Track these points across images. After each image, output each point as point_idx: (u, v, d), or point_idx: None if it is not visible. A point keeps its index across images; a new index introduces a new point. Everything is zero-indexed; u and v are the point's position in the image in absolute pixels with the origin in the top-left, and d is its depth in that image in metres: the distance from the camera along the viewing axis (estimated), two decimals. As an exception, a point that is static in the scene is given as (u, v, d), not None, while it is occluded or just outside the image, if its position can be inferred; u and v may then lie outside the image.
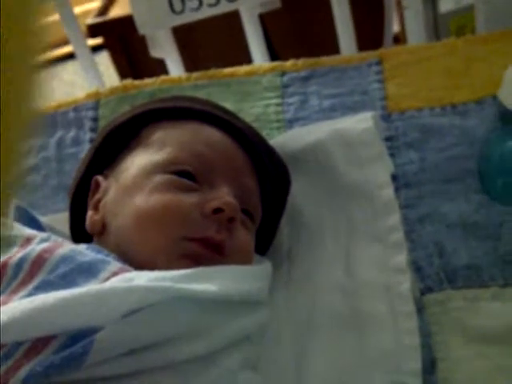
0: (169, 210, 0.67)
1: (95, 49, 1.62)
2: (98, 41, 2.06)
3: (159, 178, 0.70)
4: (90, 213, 0.74)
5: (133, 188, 0.71)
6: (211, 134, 0.75)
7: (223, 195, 0.69)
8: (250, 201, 0.75)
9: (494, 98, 0.90)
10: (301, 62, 1.01)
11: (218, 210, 0.68)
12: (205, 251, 0.67)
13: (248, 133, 0.78)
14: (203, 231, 0.67)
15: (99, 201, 0.74)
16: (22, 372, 0.53)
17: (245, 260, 0.71)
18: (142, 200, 0.69)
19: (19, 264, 0.62)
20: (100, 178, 0.77)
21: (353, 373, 0.69)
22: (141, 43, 1.24)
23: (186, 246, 0.66)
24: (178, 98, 0.85)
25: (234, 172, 0.74)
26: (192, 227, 0.67)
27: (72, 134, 1.02)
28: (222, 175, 0.72)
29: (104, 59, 1.92)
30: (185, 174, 0.71)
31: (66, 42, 2.55)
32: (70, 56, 2.57)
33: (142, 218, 0.68)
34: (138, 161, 0.74)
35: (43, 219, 0.79)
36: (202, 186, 0.71)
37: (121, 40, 1.76)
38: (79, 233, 0.77)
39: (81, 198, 0.78)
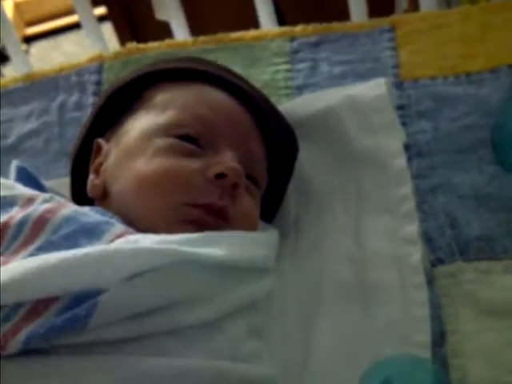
0: (170, 176, 0.66)
1: (98, 20, 1.58)
2: (100, 11, 2.03)
3: (161, 142, 0.68)
4: (91, 177, 0.73)
5: (134, 151, 0.69)
6: (216, 97, 0.73)
7: (227, 160, 0.67)
8: (256, 166, 0.73)
9: (510, 66, 0.88)
10: (311, 27, 0.99)
11: (220, 176, 0.66)
12: (207, 217, 0.65)
13: (255, 96, 0.76)
14: (205, 197, 0.65)
15: (100, 164, 0.73)
16: (23, 334, 0.51)
17: (249, 227, 0.69)
18: (143, 164, 0.67)
19: (20, 224, 0.61)
20: (102, 140, 0.75)
21: (360, 343, 0.68)
22: (144, 12, 1.21)
23: (187, 211, 0.65)
24: (182, 59, 0.83)
25: (238, 136, 0.71)
26: (194, 193, 0.65)
27: (74, 98, 1.00)
28: (226, 140, 0.70)
29: (107, 31, 1.89)
30: (187, 137, 0.69)
31: (66, 13, 2.53)
32: (71, 27, 2.56)
33: (142, 182, 0.66)
34: (139, 123, 0.71)
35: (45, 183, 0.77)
36: (205, 150, 0.69)
37: (124, 9, 1.73)
38: (81, 198, 0.75)
39: (82, 161, 0.76)
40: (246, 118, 0.74)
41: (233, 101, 0.74)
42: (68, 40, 2.63)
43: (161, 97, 0.73)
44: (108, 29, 1.86)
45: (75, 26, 2.48)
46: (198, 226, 0.64)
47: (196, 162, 0.67)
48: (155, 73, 0.76)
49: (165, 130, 0.69)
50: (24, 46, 2.57)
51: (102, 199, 0.71)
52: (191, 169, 0.66)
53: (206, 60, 0.82)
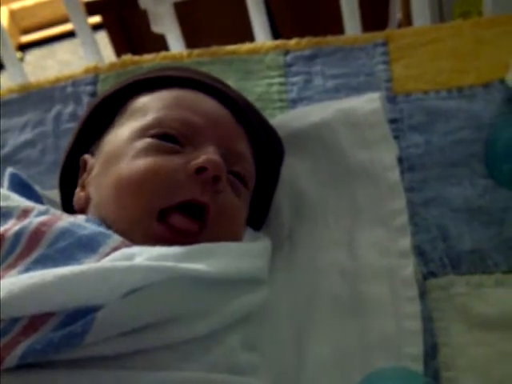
0: (150, 174, 0.65)
1: (93, 29, 1.59)
2: (95, 20, 2.03)
3: (140, 143, 0.68)
4: (77, 190, 0.73)
5: (115, 157, 0.69)
6: (196, 100, 0.73)
7: (207, 154, 0.66)
8: (239, 162, 0.72)
9: (502, 81, 0.89)
10: (305, 40, 1.00)
11: (200, 170, 0.65)
12: (172, 236, 0.64)
13: (236, 98, 0.76)
14: (186, 193, 0.65)
15: (86, 179, 0.73)
16: (19, 349, 0.51)
17: (231, 225, 0.69)
18: (122, 167, 0.67)
19: (16, 237, 0.61)
20: (87, 156, 0.75)
21: (353, 356, 0.68)
22: (139, 22, 1.21)
23: (154, 227, 0.64)
24: (164, 68, 0.84)
25: (220, 134, 0.71)
26: (174, 191, 0.65)
27: (70, 109, 1.00)
28: (206, 137, 0.70)
29: (102, 40, 1.89)
30: (167, 136, 0.69)
31: (62, 21, 2.52)
32: (66, 35, 2.56)
33: (120, 184, 0.66)
34: (120, 131, 0.72)
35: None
36: (185, 148, 0.69)
37: (119, 18, 1.73)
38: (71, 212, 0.75)
39: (69, 177, 0.77)
40: (228, 119, 0.73)
41: (215, 103, 0.74)
42: (63, 48, 2.63)
43: (140, 103, 0.74)
44: (103, 37, 1.86)
45: (70, 34, 2.47)
46: (168, 243, 0.63)
47: (176, 159, 0.67)
48: (136, 83, 0.76)
49: (143, 132, 0.69)
50: (19, 54, 2.57)
51: (83, 211, 0.71)
52: (170, 166, 0.66)
53: (188, 68, 0.83)
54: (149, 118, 0.70)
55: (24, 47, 2.68)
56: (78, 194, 0.73)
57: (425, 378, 0.65)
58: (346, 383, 0.64)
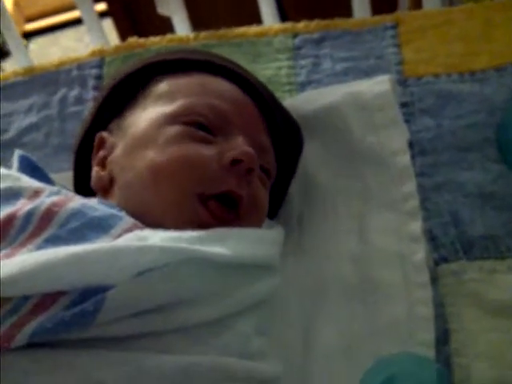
0: (185, 163, 0.64)
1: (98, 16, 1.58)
2: (101, 7, 2.02)
3: (172, 130, 0.67)
4: (95, 169, 0.71)
5: (144, 141, 0.68)
6: (222, 87, 0.72)
7: (241, 145, 0.66)
8: (266, 156, 0.72)
9: (515, 65, 0.87)
10: (314, 23, 0.98)
11: (236, 161, 0.65)
12: (213, 221, 0.64)
13: (260, 89, 0.75)
14: (223, 185, 0.64)
15: (105, 157, 0.71)
16: (29, 327, 0.50)
17: (259, 216, 0.69)
18: (155, 153, 0.66)
19: (28, 217, 0.59)
20: (105, 133, 0.73)
21: (363, 342, 0.67)
22: (145, 7, 1.20)
23: (198, 211, 0.64)
24: (185, 50, 0.83)
25: (248, 125, 0.70)
26: (210, 181, 0.64)
27: (75, 92, 0.99)
28: (236, 127, 0.69)
29: (107, 27, 1.88)
30: (198, 125, 0.68)
31: (66, 9, 2.51)
32: (70, 23, 2.55)
33: (156, 172, 0.65)
34: (146, 114, 0.70)
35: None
36: (217, 137, 0.68)
37: (124, 4, 1.72)
38: (83, 191, 0.74)
39: (85, 154, 0.75)
40: (253, 109, 0.73)
41: (240, 92, 0.73)
42: (67, 36, 2.62)
43: (167, 87, 0.72)
44: (108, 25, 1.84)
45: (74, 22, 2.46)
46: (202, 227, 0.63)
47: (209, 149, 0.66)
48: (158, 64, 0.75)
49: (175, 118, 0.68)
50: (23, 42, 2.55)
51: (106, 191, 0.69)
52: (205, 155, 0.65)
53: (208, 52, 0.81)
54: (179, 104, 0.69)
55: (28, 35, 2.67)
56: (99, 173, 0.71)
57: (436, 364, 0.64)
58: (357, 369, 0.63)
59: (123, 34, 1.72)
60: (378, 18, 0.99)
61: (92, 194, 0.71)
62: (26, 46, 2.57)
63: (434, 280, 0.71)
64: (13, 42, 1.10)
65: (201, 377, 0.54)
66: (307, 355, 0.67)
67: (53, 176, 0.80)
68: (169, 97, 0.71)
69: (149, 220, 0.63)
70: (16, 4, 2.62)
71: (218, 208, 0.65)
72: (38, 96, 1.00)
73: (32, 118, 0.97)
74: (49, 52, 2.58)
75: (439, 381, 0.62)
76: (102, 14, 1.94)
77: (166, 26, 1.11)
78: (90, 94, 0.97)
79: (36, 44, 2.65)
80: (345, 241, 0.75)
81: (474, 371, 0.65)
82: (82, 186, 0.75)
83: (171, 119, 0.68)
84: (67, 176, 0.80)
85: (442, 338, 0.67)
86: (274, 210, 0.79)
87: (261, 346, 0.62)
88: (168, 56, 0.77)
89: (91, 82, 0.99)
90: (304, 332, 0.69)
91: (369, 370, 0.63)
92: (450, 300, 0.70)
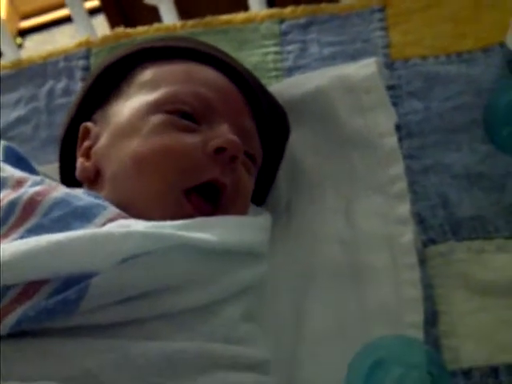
0: (169, 153, 0.64)
1: (91, 13, 1.57)
2: (93, 4, 2.01)
3: (155, 119, 0.67)
4: (80, 160, 0.71)
5: (128, 131, 0.67)
6: (206, 74, 0.72)
7: (225, 133, 0.66)
8: (251, 142, 0.71)
9: (502, 45, 0.87)
10: (300, 8, 0.98)
11: (220, 150, 0.64)
12: (196, 214, 0.63)
13: (245, 75, 0.74)
14: (207, 173, 0.64)
15: (90, 147, 0.71)
16: (13, 316, 0.50)
17: (243, 204, 0.69)
18: (138, 143, 0.65)
19: (10, 207, 0.59)
20: (89, 124, 0.73)
21: (353, 325, 0.67)
22: (136, 3, 1.19)
23: (181, 204, 0.63)
24: (169, 38, 0.82)
25: (232, 112, 0.70)
26: (195, 169, 0.64)
27: (62, 84, 0.98)
28: (221, 115, 0.68)
29: (99, 25, 1.87)
30: (182, 113, 0.67)
31: (61, 6, 2.51)
32: (66, 20, 2.54)
33: (140, 162, 0.64)
34: (131, 103, 0.70)
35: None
36: (201, 125, 0.67)
37: (116, 0, 1.71)
38: (69, 182, 0.74)
39: (71, 146, 0.74)
40: (238, 96, 0.72)
41: (224, 79, 0.72)
42: (63, 33, 2.61)
43: (150, 75, 0.71)
44: (100, 22, 1.84)
45: (70, 19, 2.45)
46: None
47: (193, 137, 0.65)
48: (142, 52, 0.74)
49: (158, 107, 0.67)
50: (19, 40, 2.55)
51: (92, 182, 0.69)
52: (189, 144, 0.65)
53: (194, 39, 0.81)
54: (162, 93, 0.68)
55: (23, 33, 2.66)
56: (83, 163, 0.70)
57: (425, 345, 0.64)
58: (346, 352, 0.63)
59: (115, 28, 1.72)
60: (365, 0, 0.98)
61: (79, 185, 0.71)
62: (22, 44, 2.56)
63: (423, 262, 0.71)
64: (6, 46, 1.08)
65: (186, 363, 0.54)
66: (297, 340, 0.67)
67: (40, 169, 0.80)
68: (152, 85, 0.70)
69: (133, 211, 0.62)
70: (11, 1, 2.62)
71: (201, 202, 0.64)
72: (25, 89, 0.99)
73: (20, 111, 0.97)
74: (44, 49, 2.57)
75: (429, 362, 0.61)
76: (95, 11, 1.94)
77: (154, 14, 1.11)
78: (78, 86, 0.97)
79: (31, 41, 2.65)
80: (332, 221, 0.75)
81: (463, 352, 0.65)
82: (69, 178, 0.75)
83: (154, 108, 0.67)
84: (55, 168, 0.79)
85: (431, 320, 0.67)
86: (262, 196, 0.78)
87: (248, 332, 0.62)
88: (153, 44, 0.76)
89: (78, 74, 0.99)
90: (294, 317, 0.69)
91: (357, 354, 0.63)
92: (438, 281, 0.70)
